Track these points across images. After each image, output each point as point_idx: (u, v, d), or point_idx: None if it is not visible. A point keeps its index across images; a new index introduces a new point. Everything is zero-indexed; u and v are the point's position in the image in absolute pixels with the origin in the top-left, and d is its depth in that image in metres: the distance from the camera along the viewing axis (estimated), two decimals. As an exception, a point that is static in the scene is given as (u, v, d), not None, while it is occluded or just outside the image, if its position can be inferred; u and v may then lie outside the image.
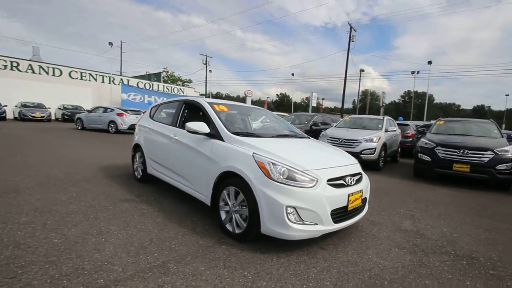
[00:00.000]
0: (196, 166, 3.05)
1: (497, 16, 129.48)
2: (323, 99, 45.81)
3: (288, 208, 2.17)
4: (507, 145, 5.49)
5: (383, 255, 2.43)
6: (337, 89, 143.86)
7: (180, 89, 35.10)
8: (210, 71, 39.41)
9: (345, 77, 31.07)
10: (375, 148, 6.95)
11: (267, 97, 65.39)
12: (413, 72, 36.48)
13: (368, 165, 6.74)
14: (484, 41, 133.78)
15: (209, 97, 38.91)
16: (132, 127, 13.83)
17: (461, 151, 5.58)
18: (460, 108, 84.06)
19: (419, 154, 6.27)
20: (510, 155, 5.29)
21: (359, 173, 2.81)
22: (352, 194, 2.51)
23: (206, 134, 2.96)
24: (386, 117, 8.55)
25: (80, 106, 21.89)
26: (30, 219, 2.77)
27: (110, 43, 33.63)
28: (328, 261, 2.26)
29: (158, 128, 4.00)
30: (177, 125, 3.69)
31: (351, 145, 7.07)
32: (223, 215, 2.69)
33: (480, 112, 73.68)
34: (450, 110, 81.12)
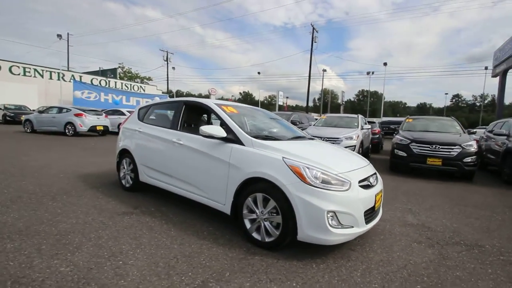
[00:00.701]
0: (210, 173, 2.85)
1: (434, 23, 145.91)
2: (287, 97, 46.96)
3: (329, 213, 2.14)
4: (470, 140, 6.18)
5: (407, 251, 2.54)
6: (298, 88, 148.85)
7: (141, 86, 33.08)
8: (173, 68, 37.74)
9: (309, 76, 32.25)
10: (355, 146, 7.30)
11: (232, 96, 64.84)
12: (368, 73, 39.37)
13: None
14: (424, 45, 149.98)
15: (172, 96, 37.36)
16: (93, 129, 12.64)
17: (434, 146, 6.14)
18: (406, 105, 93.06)
19: (395, 150, 6.74)
20: (473, 149, 5.96)
21: (375, 173, 2.89)
22: (377, 194, 2.58)
23: (222, 139, 2.78)
24: (360, 116, 9.05)
25: (24, 106, 19.34)
26: (18, 244, 2.33)
27: (59, 35, 30.25)
28: (365, 262, 2.29)
29: (154, 131, 3.67)
30: (179, 128, 3.42)
31: (333, 143, 7.32)
32: (248, 224, 2.55)
33: (423, 109, 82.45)
34: (398, 108, 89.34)
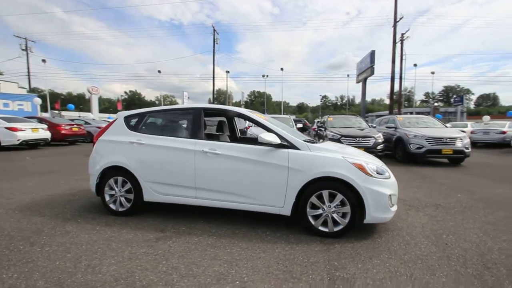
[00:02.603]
0: (264, 179, 2.93)
1: (304, 35, 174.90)
2: (188, 97, 45.45)
3: (389, 197, 2.74)
4: (378, 133, 8.30)
5: (412, 217, 3.47)
6: (190, 88, 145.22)
7: (-9, 84, 24.50)
8: (43, 60, 29.89)
9: (213, 77, 32.75)
10: None
11: (121, 96, 57.08)
12: (263, 76, 43.56)
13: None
14: (298, 53, 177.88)
15: (44, 96, 29.68)
16: None
17: (357, 139, 7.90)
18: (289, 105, 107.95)
19: (329, 144, 8.21)
20: (381, 139, 8.07)
21: None
22: (393, 178, 3.39)
23: (277, 145, 2.92)
24: (291, 116, 10.30)
25: None
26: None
27: None
28: (403, 230, 3.03)
29: (167, 142, 3.28)
30: (203, 137, 3.24)
31: None
32: (312, 220, 2.84)
33: (302, 107, 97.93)
34: (285, 107, 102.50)
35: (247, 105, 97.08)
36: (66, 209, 3.72)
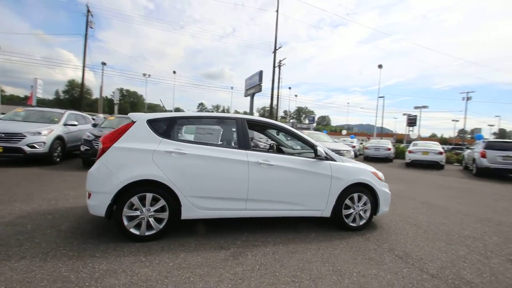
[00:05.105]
0: (312, 187, 3.36)
1: (181, 39, 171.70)
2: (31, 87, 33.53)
3: (390, 195, 3.85)
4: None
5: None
6: (26, 73, 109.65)
7: None
8: None
9: (83, 68, 26.99)
10: (44, 142, 7.11)
11: None
12: (144, 75, 39.77)
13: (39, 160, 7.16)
14: (174, 56, 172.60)
15: None
16: None
17: (285, 149, 9.23)
18: (164, 108, 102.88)
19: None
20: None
21: None
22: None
23: (322, 157, 3.43)
24: (69, 111, 8.95)
25: None
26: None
27: None
28: (386, 216, 4.24)
29: (216, 153, 3.08)
30: (249, 148, 3.29)
31: (11, 140, 6.79)
32: (345, 219, 3.54)
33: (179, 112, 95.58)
34: (158, 110, 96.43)
35: (111, 103, 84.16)
36: (46, 244, 2.64)
